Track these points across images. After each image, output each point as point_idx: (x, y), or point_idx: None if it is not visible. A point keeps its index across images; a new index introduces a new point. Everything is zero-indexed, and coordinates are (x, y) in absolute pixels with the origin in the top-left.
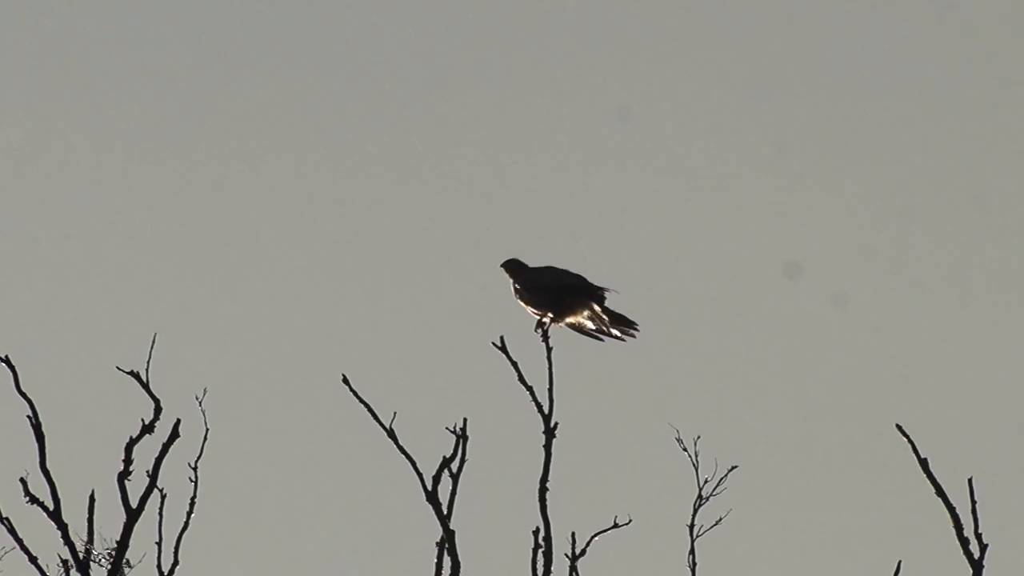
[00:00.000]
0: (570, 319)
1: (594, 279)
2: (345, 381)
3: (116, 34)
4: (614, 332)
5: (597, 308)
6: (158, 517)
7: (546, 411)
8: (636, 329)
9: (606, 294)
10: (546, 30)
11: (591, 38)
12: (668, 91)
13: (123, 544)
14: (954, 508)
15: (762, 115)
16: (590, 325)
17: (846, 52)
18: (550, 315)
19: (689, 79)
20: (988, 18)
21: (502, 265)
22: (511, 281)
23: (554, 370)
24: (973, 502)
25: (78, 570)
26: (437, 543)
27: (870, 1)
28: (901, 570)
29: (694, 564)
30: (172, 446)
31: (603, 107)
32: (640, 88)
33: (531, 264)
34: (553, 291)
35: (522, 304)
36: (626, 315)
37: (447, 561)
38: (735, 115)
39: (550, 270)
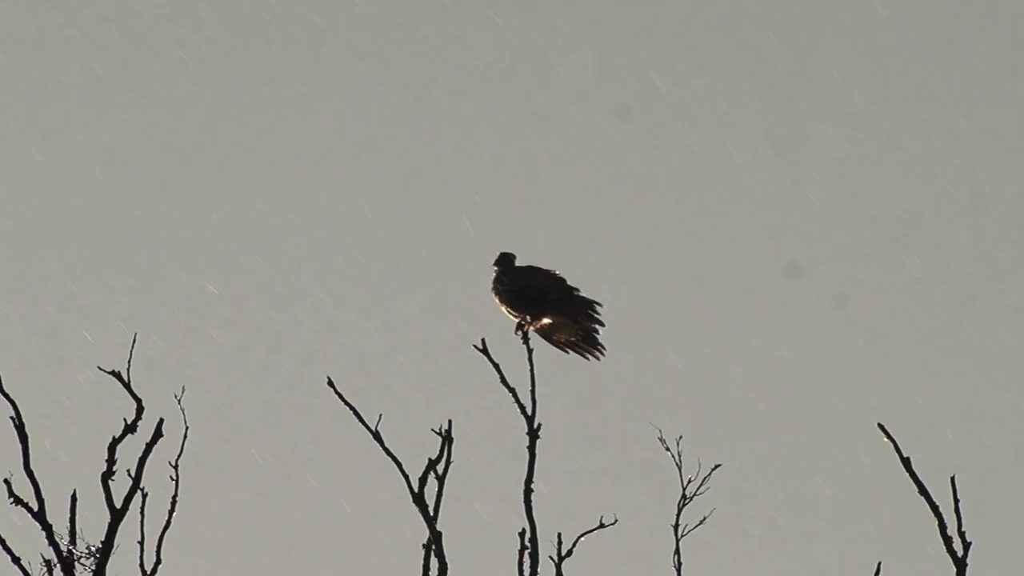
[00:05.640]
0: (546, 321)
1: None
2: (330, 384)
3: (95, 23)
4: (581, 347)
5: (580, 315)
6: (140, 516)
7: (529, 413)
8: (602, 352)
9: (595, 309)
10: (546, 30)
11: (591, 38)
12: (668, 91)
13: (108, 544)
14: (937, 507)
15: (762, 115)
16: (563, 332)
17: (846, 52)
18: (527, 317)
19: (689, 79)
20: (988, 18)
21: (500, 256)
22: (495, 273)
23: (536, 372)
24: (956, 501)
25: (62, 570)
26: (424, 544)
27: (870, 1)
28: (882, 570)
29: (679, 564)
30: (155, 446)
31: (603, 107)
32: (640, 88)
33: (518, 264)
34: (536, 293)
35: (498, 302)
36: (597, 336)
37: (434, 562)
38: (735, 115)
39: (534, 272)
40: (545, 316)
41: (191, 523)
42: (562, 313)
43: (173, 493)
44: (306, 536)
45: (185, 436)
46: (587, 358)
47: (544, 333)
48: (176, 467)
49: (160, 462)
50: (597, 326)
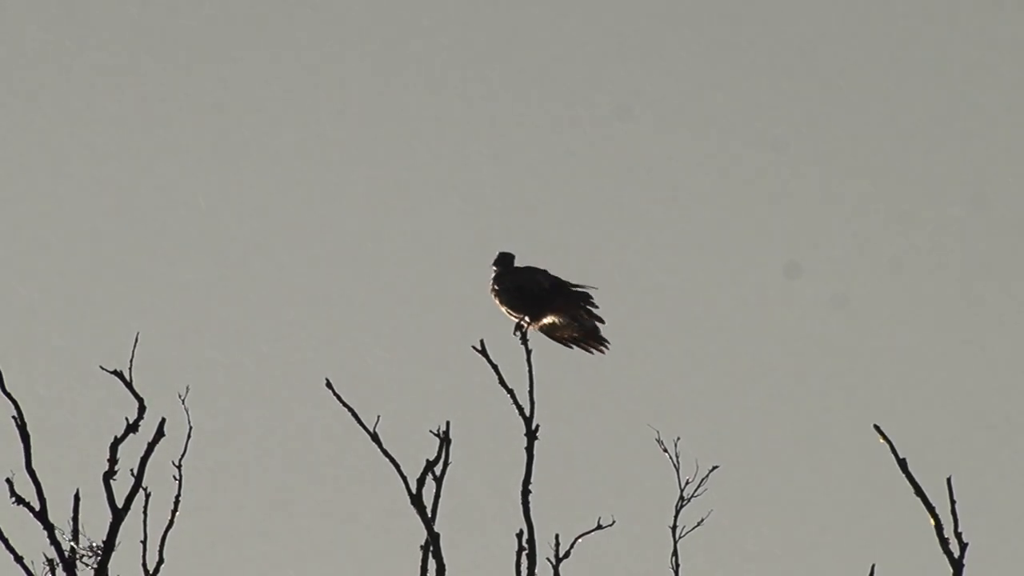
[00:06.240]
0: (546, 321)
1: (585, 278)
2: (328, 385)
3: (89, 21)
4: (585, 343)
5: (580, 312)
6: (143, 516)
7: (527, 414)
8: (606, 346)
9: (591, 295)
10: (546, 30)
11: (591, 38)
12: (668, 91)
13: (109, 543)
14: (934, 508)
15: (762, 115)
16: (565, 329)
17: (846, 52)
18: (527, 318)
19: (689, 79)
20: (987, 18)
21: (500, 256)
22: (495, 273)
23: (534, 373)
24: (952, 502)
25: (64, 569)
26: (422, 546)
27: (870, 1)
28: (881, 572)
29: (677, 565)
30: (156, 445)
31: (603, 107)
32: (640, 88)
33: (518, 264)
34: (532, 291)
35: (497, 302)
36: (600, 330)
37: (432, 564)
38: (735, 115)
39: (533, 272)
40: (545, 316)
41: (193, 523)
42: (561, 310)
43: (176, 493)
44: (305, 537)
45: (189, 436)
46: (591, 352)
47: (546, 331)
48: (179, 467)
49: (163, 462)
50: (598, 323)
